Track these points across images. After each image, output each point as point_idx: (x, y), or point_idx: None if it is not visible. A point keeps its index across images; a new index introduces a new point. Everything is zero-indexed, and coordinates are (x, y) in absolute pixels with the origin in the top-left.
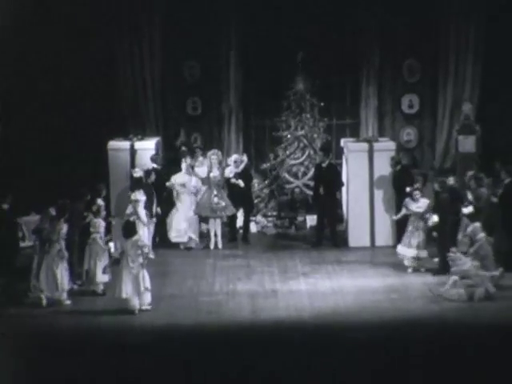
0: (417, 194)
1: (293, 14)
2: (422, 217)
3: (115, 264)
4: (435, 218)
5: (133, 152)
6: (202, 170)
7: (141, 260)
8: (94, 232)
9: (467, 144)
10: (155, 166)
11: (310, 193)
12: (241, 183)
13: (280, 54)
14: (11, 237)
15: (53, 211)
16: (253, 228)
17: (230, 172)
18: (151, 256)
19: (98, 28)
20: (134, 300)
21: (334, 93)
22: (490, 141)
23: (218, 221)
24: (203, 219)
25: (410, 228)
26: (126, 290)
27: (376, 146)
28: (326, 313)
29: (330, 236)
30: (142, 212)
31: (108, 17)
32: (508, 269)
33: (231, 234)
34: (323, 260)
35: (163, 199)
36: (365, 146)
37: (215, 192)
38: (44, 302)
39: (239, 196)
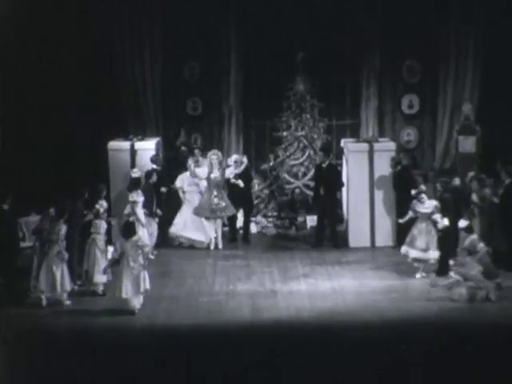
0: (422, 196)
1: (293, 14)
2: (429, 217)
3: (115, 264)
4: (446, 222)
5: (133, 152)
6: (202, 171)
7: (141, 260)
8: (94, 232)
9: (467, 144)
10: (155, 166)
11: (310, 193)
12: (240, 183)
13: (280, 55)
14: (11, 237)
15: (53, 211)
16: (253, 228)
17: (230, 173)
18: (151, 256)
19: (99, 28)
20: (134, 300)
21: (334, 93)
22: (490, 141)
23: (219, 221)
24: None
25: (415, 230)
26: (127, 291)
27: (376, 146)
28: (326, 313)
29: (330, 236)
30: (141, 212)
31: (108, 17)
32: (508, 269)
33: (231, 234)
34: (323, 260)
35: (163, 200)
36: (365, 146)
37: (215, 193)
38: (44, 302)
39: (239, 196)
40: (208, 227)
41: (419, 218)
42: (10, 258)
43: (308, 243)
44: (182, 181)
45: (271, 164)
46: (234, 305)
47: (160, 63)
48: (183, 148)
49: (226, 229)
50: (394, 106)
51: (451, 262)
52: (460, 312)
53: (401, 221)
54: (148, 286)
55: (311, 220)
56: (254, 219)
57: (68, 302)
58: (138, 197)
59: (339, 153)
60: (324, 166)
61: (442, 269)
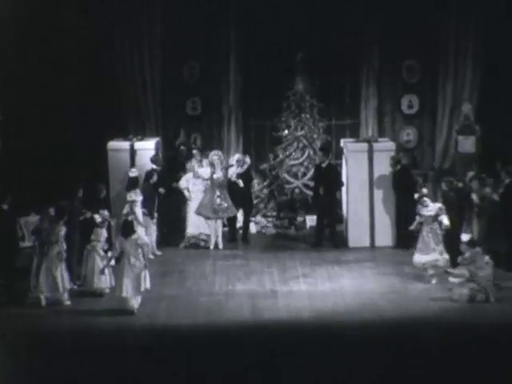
0: (425, 200)
1: (293, 14)
2: (434, 220)
3: (116, 262)
4: (446, 221)
5: (133, 152)
6: (205, 171)
7: (142, 259)
8: (94, 240)
9: (467, 144)
10: (155, 167)
11: (310, 193)
12: (240, 183)
13: (280, 55)
14: (11, 237)
15: (52, 211)
16: (252, 228)
17: (233, 172)
18: (151, 256)
19: (99, 28)
20: (133, 300)
21: (333, 93)
22: (490, 141)
23: (219, 222)
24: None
25: (423, 234)
26: (127, 289)
27: (376, 146)
28: (326, 313)
29: (330, 236)
30: (139, 212)
31: (108, 17)
32: (508, 269)
33: (231, 234)
34: (323, 260)
35: (161, 200)
36: (364, 146)
37: (218, 193)
38: (44, 302)
39: (239, 196)
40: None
41: (425, 222)
42: (10, 258)
43: (307, 243)
44: (187, 181)
45: (271, 164)
46: (233, 305)
47: (160, 63)
48: (182, 148)
49: (226, 229)
50: (394, 105)
51: (460, 259)
52: (460, 312)
53: (411, 227)
54: (148, 285)
55: (311, 220)
56: (253, 219)
57: (68, 302)
58: (137, 196)
59: (339, 153)
60: (323, 165)
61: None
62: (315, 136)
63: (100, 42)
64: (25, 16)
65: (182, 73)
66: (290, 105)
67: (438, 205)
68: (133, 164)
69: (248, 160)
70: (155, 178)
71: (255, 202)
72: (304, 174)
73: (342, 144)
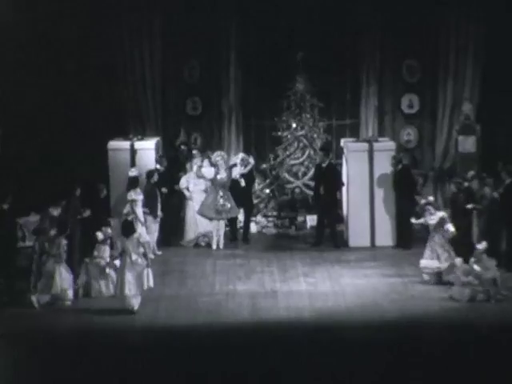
0: (430, 208)
1: (293, 14)
2: (438, 228)
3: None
4: (451, 229)
5: (133, 152)
6: (208, 171)
7: (144, 258)
8: (97, 257)
9: (467, 144)
10: (158, 167)
11: (310, 193)
12: (242, 182)
13: (280, 54)
14: (11, 237)
15: (52, 211)
16: (253, 228)
17: (237, 173)
18: (151, 256)
19: (99, 28)
20: (133, 300)
21: (333, 93)
22: (490, 141)
23: (222, 222)
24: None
25: (431, 244)
26: (129, 287)
27: (376, 145)
28: (326, 313)
29: (330, 236)
30: (140, 211)
31: (108, 17)
32: (508, 269)
33: (231, 233)
34: (323, 260)
35: (163, 200)
36: (365, 145)
37: (221, 193)
38: (36, 303)
39: (240, 196)
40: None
41: (430, 231)
42: (10, 258)
43: (308, 243)
44: (187, 181)
45: (271, 164)
46: (233, 305)
47: (160, 63)
48: (183, 148)
49: (227, 228)
50: (394, 105)
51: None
52: (460, 312)
53: (413, 221)
54: (152, 283)
55: (311, 219)
56: (254, 219)
57: (68, 302)
58: (137, 195)
59: (339, 152)
60: (324, 165)
61: None
62: (315, 136)
63: (100, 41)
64: (25, 16)
65: (182, 73)
66: (291, 104)
67: (441, 213)
68: (133, 164)
69: (252, 161)
70: (156, 177)
71: (255, 201)
72: (304, 174)
73: (342, 144)
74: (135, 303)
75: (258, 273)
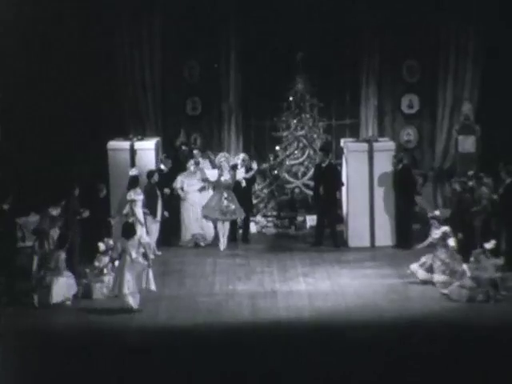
0: (435, 222)
1: (292, 14)
2: (441, 242)
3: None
4: (451, 243)
5: (133, 152)
6: (211, 173)
7: (144, 259)
8: (98, 267)
9: (467, 144)
10: (163, 167)
11: (310, 193)
12: (243, 183)
13: (280, 54)
14: (11, 237)
15: (52, 211)
16: (253, 228)
17: (242, 177)
18: (152, 256)
19: (98, 28)
20: (131, 299)
21: (333, 93)
22: (490, 141)
23: (227, 223)
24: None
25: (431, 253)
26: (128, 286)
27: (376, 146)
28: (326, 313)
29: (330, 236)
30: (140, 211)
31: (108, 17)
32: (508, 269)
33: (231, 234)
34: (323, 260)
35: (165, 201)
36: (364, 146)
37: (226, 195)
38: (37, 303)
39: (240, 196)
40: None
41: (434, 244)
42: (10, 258)
43: (308, 243)
44: (182, 182)
45: (271, 164)
46: (233, 305)
47: (160, 63)
48: (184, 148)
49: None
50: (394, 105)
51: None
52: (460, 312)
53: (419, 247)
54: (154, 287)
55: (311, 219)
56: (253, 219)
57: (68, 302)
58: (136, 195)
59: (339, 152)
60: (324, 165)
61: None
62: (315, 136)
63: (100, 41)
64: (25, 16)
65: (182, 73)
66: (290, 105)
67: (445, 228)
68: (133, 164)
69: (255, 166)
70: (156, 177)
71: (255, 201)
72: (304, 174)
73: (342, 144)
74: (134, 302)
75: (258, 273)
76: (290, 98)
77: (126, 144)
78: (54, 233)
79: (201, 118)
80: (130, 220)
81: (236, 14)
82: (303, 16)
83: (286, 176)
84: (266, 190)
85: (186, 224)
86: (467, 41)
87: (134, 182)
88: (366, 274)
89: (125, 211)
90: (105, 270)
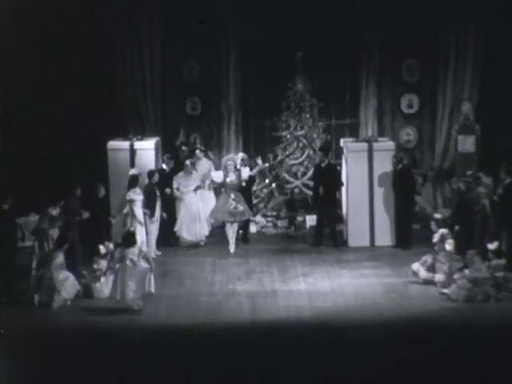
0: (433, 224)
1: (292, 14)
2: (439, 246)
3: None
4: (448, 247)
5: (132, 152)
6: (217, 175)
7: (146, 262)
8: (97, 270)
9: (467, 144)
10: (165, 167)
11: (310, 193)
12: (243, 183)
13: (279, 54)
14: (11, 237)
15: (52, 211)
16: (252, 228)
17: (247, 175)
18: (152, 256)
19: (98, 28)
20: (136, 302)
21: (333, 93)
22: (490, 141)
23: (235, 225)
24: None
25: (433, 254)
26: (131, 291)
27: (375, 145)
28: (326, 312)
29: (330, 236)
30: (139, 211)
31: (108, 17)
32: (508, 269)
33: None
34: (323, 260)
35: (166, 201)
36: (364, 145)
37: (233, 196)
38: (37, 302)
39: None
40: (200, 228)
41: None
42: (10, 258)
43: (307, 243)
44: (179, 183)
45: (271, 163)
46: (233, 304)
47: (160, 63)
48: (184, 148)
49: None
50: (394, 105)
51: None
52: (460, 312)
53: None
54: (153, 289)
55: (310, 219)
56: (253, 219)
57: (68, 302)
58: (136, 195)
59: (339, 152)
60: (323, 165)
61: None
62: (315, 136)
63: (100, 41)
64: (25, 17)
65: (182, 73)
66: (290, 104)
67: (442, 230)
68: (132, 164)
69: (260, 161)
70: (156, 177)
71: (255, 201)
72: (304, 174)
73: (341, 144)
74: (137, 305)
75: (258, 273)
76: (290, 98)
77: (125, 144)
78: (54, 233)
79: (200, 117)
80: (132, 228)
81: (236, 14)
82: (303, 16)
83: (286, 176)
84: (265, 190)
85: (182, 224)
86: (467, 40)
87: (132, 182)
88: (366, 274)
89: (124, 211)
90: (103, 273)
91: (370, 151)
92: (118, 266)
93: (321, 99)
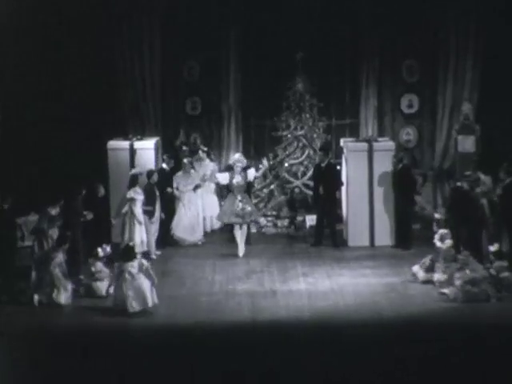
0: (434, 224)
1: (292, 14)
2: (437, 246)
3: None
4: (444, 247)
5: (132, 152)
6: (222, 176)
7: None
8: (95, 273)
9: (467, 144)
10: (165, 166)
11: (310, 192)
12: (255, 184)
13: (280, 54)
14: (11, 237)
15: (51, 211)
16: (252, 228)
17: (254, 176)
18: (152, 256)
19: (98, 28)
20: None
21: (333, 93)
22: (490, 141)
23: (244, 227)
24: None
25: (433, 255)
26: (133, 303)
27: (375, 145)
28: (326, 312)
29: (330, 236)
30: (139, 211)
31: (108, 17)
32: (508, 269)
33: (231, 234)
34: (323, 260)
35: (166, 201)
36: (364, 145)
37: (240, 197)
38: (36, 301)
39: None
40: (198, 229)
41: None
42: (10, 258)
43: (307, 242)
44: (178, 182)
45: (271, 163)
46: (233, 304)
47: (159, 63)
48: (185, 148)
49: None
50: (394, 105)
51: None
52: (459, 312)
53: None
54: (156, 299)
55: (310, 219)
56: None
57: (68, 302)
58: (136, 194)
59: (339, 152)
60: (323, 165)
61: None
62: (315, 136)
63: (100, 41)
64: (25, 17)
65: (182, 72)
66: (290, 104)
67: (442, 230)
68: (132, 163)
69: (265, 162)
70: (156, 177)
71: (255, 201)
72: (304, 174)
73: (341, 143)
74: (134, 306)
75: (258, 273)
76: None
77: (125, 144)
78: (53, 232)
79: (201, 117)
80: (131, 243)
81: (236, 14)
82: (303, 16)
83: (286, 176)
84: (265, 190)
85: (180, 223)
86: (467, 41)
87: (132, 181)
88: (366, 274)
89: (124, 210)
90: (100, 275)
91: (370, 151)
92: (117, 281)
93: (321, 99)
